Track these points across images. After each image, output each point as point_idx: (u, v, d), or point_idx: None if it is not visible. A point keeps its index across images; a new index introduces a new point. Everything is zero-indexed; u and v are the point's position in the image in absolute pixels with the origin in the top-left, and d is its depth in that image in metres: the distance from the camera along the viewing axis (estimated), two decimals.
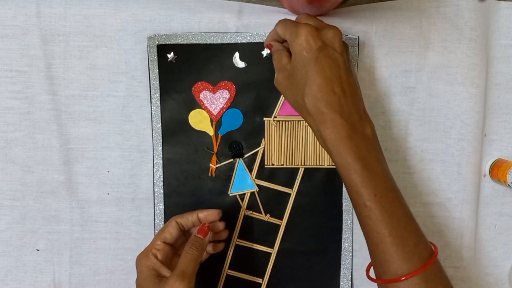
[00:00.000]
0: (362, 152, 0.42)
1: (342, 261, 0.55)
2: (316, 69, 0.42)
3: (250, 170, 0.54)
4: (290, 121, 0.54)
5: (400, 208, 0.43)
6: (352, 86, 0.43)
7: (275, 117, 0.54)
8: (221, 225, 0.51)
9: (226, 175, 0.54)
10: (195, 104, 0.53)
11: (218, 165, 0.54)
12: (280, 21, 0.46)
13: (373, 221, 0.41)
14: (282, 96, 0.53)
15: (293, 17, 0.52)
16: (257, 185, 0.54)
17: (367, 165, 0.41)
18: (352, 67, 0.46)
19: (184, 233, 0.50)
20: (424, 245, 0.42)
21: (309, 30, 0.42)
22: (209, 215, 0.49)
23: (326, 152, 0.54)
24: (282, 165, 0.54)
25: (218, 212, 0.49)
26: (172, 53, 0.52)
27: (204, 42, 0.52)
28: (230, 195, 0.54)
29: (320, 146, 0.54)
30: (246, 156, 0.54)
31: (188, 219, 0.49)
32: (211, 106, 0.53)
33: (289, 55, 0.45)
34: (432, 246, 0.43)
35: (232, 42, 0.52)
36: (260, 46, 0.52)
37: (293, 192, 0.54)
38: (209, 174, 0.54)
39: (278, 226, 0.55)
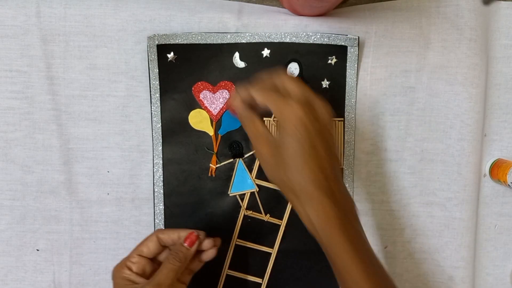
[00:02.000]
0: (350, 232, 0.40)
1: None
2: (310, 153, 0.39)
3: (250, 170, 0.54)
4: None
5: (388, 282, 0.41)
6: (336, 162, 0.42)
7: (275, 117, 0.54)
8: (208, 243, 0.48)
9: (226, 175, 0.54)
10: (195, 104, 0.53)
11: (218, 165, 0.54)
12: (257, 87, 0.42)
13: None
14: None
15: (293, 17, 0.52)
16: (257, 185, 0.54)
17: (355, 244, 0.40)
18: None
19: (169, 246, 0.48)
20: None
21: (303, 111, 0.39)
22: (188, 233, 0.47)
23: None
24: None
25: (202, 233, 0.47)
26: (172, 53, 0.52)
27: (204, 42, 0.52)
28: (230, 195, 0.54)
29: None
30: (246, 156, 0.54)
31: (169, 236, 0.47)
32: (211, 106, 0.53)
33: (263, 121, 0.42)
34: None
35: (232, 42, 0.52)
36: (260, 46, 0.52)
37: None
38: (209, 174, 0.54)
39: (278, 226, 0.55)
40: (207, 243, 0.48)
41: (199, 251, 0.49)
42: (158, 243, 0.47)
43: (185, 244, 0.46)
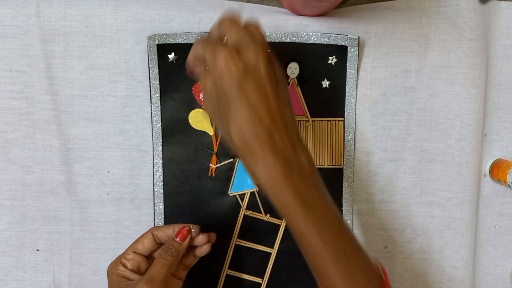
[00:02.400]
0: (300, 189, 0.37)
1: None
2: (239, 99, 0.36)
3: None
4: None
5: (347, 242, 0.39)
6: (282, 112, 0.38)
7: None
8: (202, 239, 0.48)
9: (226, 175, 0.54)
10: (195, 103, 0.53)
11: (218, 165, 0.54)
12: (198, 39, 0.40)
13: (320, 258, 0.37)
14: None
15: (293, 17, 0.52)
16: (257, 185, 0.54)
17: (307, 202, 0.37)
18: (282, 82, 0.40)
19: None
20: (374, 276, 0.39)
21: (227, 53, 0.36)
22: (180, 228, 0.47)
23: (325, 153, 0.54)
24: None
25: (196, 227, 0.48)
26: (173, 54, 0.52)
27: None
28: (230, 195, 0.54)
29: (319, 146, 0.54)
30: None
31: (164, 232, 0.47)
32: None
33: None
34: (383, 276, 0.40)
35: None
36: None
37: None
38: (209, 174, 0.54)
39: (278, 226, 0.55)
40: (200, 238, 0.48)
41: (193, 246, 0.49)
42: (153, 240, 0.47)
43: (177, 239, 0.46)
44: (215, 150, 0.54)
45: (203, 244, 0.48)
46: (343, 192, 0.54)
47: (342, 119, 0.54)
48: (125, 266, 0.46)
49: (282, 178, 0.36)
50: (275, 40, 0.52)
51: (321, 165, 0.54)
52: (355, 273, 0.38)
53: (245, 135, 0.37)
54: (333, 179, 0.54)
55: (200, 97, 0.53)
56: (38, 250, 0.55)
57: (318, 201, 0.38)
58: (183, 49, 0.52)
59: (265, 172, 0.37)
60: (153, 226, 0.54)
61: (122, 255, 0.47)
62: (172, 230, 0.47)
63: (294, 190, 0.37)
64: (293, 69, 0.53)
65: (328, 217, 0.38)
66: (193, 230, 0.47)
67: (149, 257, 0.48)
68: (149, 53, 0.52)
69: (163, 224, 0.54)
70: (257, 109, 0.37)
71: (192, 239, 0.47)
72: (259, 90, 0.37)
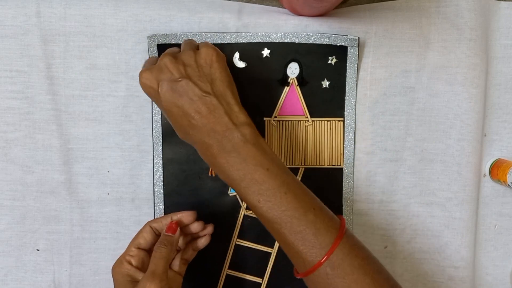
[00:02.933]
0: (235, 164, 0.42)
1: None
2: (166, 112, 0.45)
3: None
4: (290, 121, 0.54)
5: (292, 202, 0.42)
6: (205, 99, 0.43)
7: (275, 117, 0.54)
8: (198, 226, 0.49)
9: None
10: None
11: None
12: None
13: (267, 224, 0.42)
14: (282, 96, 0.53)
15: (293, 17, 0.52)
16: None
17: (245, 175, 0.42)
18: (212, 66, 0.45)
19: None
20: (331, 226, 0.42)
21: (143, 74, 0.45)
22: (183, 217, 0.48)
23: (325, 153, 0.54)
24: None
25: (192, 213, 0.48)
26: None
27: None
28: (230, 195, 0.54)
29: (319, 146, 0.54)
30: None
31: (162, 222, 0.48)
32: None
33: None
34: (339, 220, 0.43)
35: (232, 42, 0.52)
36: (260, 46, 0.52)
37: None
38: (209, 174, 0.54)
39: None
40: (196, 225, 0.49)
41: (193, 239, 0.50)
42: (153, 232, 0.47)
43: (168, 233, 0.46)
44: None
45: (198, 231, 0.49)
46: (343, 192, 0.54)
47: (342, 119, 0.54)
48: (130, 263, 0.46)
49: (215, 158, 0.43)
50: (275, 40, 0.52)
51: (321, 165, 0.54)
52: (305, 233, 0.41)
53: (184, 135, 0.45)
54: (333, 179, 0.54)
55: None
56: (38, 250, 0.55)
57: (257, 170, 0.42)
58: None
59: (204, 156, 0.44)
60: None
61: (126, 253, 0.47)
62: (168, 219, 0.48)
63: (227, 166, 0.42)
64: (293, 69, 0.53)
65: (269, 182, 0.42)
66: (183, 220, 0.47)
67: (149, 252, 0.48)
68: (149, 53, 0.52)
69: None
70: (184, 115, 0.44)
71: (186, 225, 0.48)
72: (178, 97, 0.44)
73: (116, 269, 0.46)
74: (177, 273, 0.49)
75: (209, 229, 0.50)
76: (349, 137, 0.54)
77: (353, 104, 0.54)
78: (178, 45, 0.51)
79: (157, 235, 0.48)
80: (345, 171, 0.54)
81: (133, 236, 0.47)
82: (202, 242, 0.50)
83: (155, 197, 0.54)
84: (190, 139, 0.45)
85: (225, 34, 0.52)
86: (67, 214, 0.54)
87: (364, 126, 0.54)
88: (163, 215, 0.54)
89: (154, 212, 0.54)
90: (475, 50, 0.53)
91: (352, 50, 0.52)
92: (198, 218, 0.49)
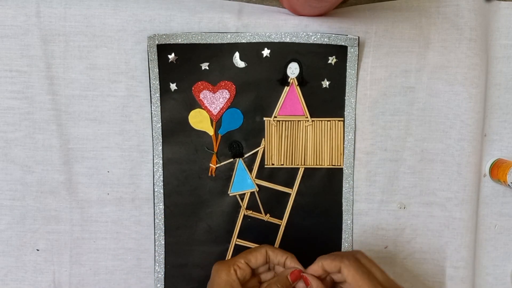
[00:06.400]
0: None
1: None
2: None
3: (250, 170, 0.54)
4: (290, 121, 0.54)
5: None
6: None
7: (275, 117, 0.54)
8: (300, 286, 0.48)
9: (226, 175, 0.54)
10: (195, 104, 0.53)
11: (218, 165, 0.54)
12: (346, 262, 0.45)
13: None
14: (282, 96, 0.53)
15: (293, 17, 0.52)
16: (257, 185, 0.54)
17: None
18: None
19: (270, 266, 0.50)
20: None
21: None
22: (296, 269, 0.47)
23: (325, 153, 0.54)
24: (282, 165, 0.54)
25: (302, 271, 0.47)
26: (173, 54, 0.52)
27: (204, 42, 0.52)
28: (230, 195, 0.54)
29: (319, 146, 0.54)
30: (246, 156, 0.54)
31: (277, 256, 0.48)
32: (211, 106, 0.53)
33: None
34: None
35: (232, 42, 0.52)
36: (260, 46, 0.52)
37: (293, 192, 0.54)
38: (209, 174, 0.54)
39: (278, 226, 0.55)
40: (301, 286, 0.48)
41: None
42: (266, 257, 0.48)
43: (289, 278, 0.46)
44: (215, 150, 0.54)
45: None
46: (343, 192, 0.54)
47: (342, 119, 0.54)
48: (236, 273, 0.46)
49: None
50: (275, 40, 0.52)
51: (321, 165, 0.54)
52: None
53: None
54: (333, 179, 0.54)
55: (201, 97, 0.53)
56: (38, 250, 0.55)
57: None
58: (183, 49, 0.52)
59: None
60: (153, 226, 0.54)
61: (235, 261, 0.47)
62: (285, 257, 0.48)
63: None
64: (293, 69, 0.53)
65: None
66: (310, 281, 0.47)
67: (254, 271, 0.48)
68: (149, 53, 0.52)
69: (163, 224, 0.53)
70: None
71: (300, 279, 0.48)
72: None
73: (221, 272, 0.46)
74: None
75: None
76: (349, 137, 0.54)
77: (353, 104, 0.54)
78: (178, 45, 0.52)
79: (266, 261, 0.48)
80: (345, 171, 0.54)
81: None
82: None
83: (155, 197, 0.54)
84: None
85: (225, 34, 0.52)
86: (67, 214, 0.54)
87: (364, 126, 0.54)
88: (163, 215, 0.54)
89: (154, 212, 0.54)
90: (475, 50, 0.53)
91: (352, 50, 0.52)
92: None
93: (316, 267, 0.46)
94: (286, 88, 0.53)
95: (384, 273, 0.45)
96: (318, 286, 0.46)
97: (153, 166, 0.54)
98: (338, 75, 0.53)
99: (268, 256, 0.48)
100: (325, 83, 0.53)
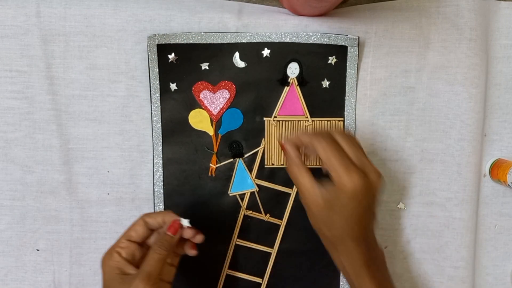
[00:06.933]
0: (376, 275, 0.45)
1: None
2: (360, 215, 0.44)
3: (250, 170, 0.54)
4: (290, 121, 0.54)
5: None
6: (372, 216, 0.46)
7: (275, 117, 0.54)
8: (190, 232, 0.47)
9: (226, 175, 0.54)
10: (195, 104, 0.53)
11: (218, 165, 0.54)
12: (320, 138, 0.44)
13: None
14: (282, 96, 0.53)
15: (293, 17, 0.52)
16: (257, 185, 0.54)
17: (382, 285, 0.45)
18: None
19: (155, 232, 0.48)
20: None
21: (363, 181, 0.43)
22: (181, 221, 0.46)
23: None
24: (282, 165, 0.54)
25: (185, 222, 0.46)
26: (173, 54, 0.52)
27: (204, 42, 0.52)
28: (230, 195, 0.54)
29: None
30: (246, 156, 0.54)
31: (156, 219, 0.46)
32: (211, 106, 0.53)
33: (311, 174, 0.45)
34: None
35: (232, 42, 0.52)
36: (260, 46, 0.52)
37: (293, 192, 0.54)
38: (209, 174, 0.54)
39: (278, 226, 0.55)
40: (189, 231, 0.47)
41: (183, 239, 0.48)
42: (145, 226, 0.46)
43: (169, 232, 0.45)
44: (215, 150, 0.54)
45: (189, 237, 0.47)
46: None
47: (342, 119, 0.54)
48: (120, 255, 0.45)
49: (366, 267, 0.44)
50: (275, 40, 0.52)
51: (321, 165, 0.54)
52: None
53: (347, 237, 0.44)
54: None
55: (201, 97, 0.53)
56: (38, 250, 0.55)
57: (389, 285, 0.46)
58: (183, 49, 0.52)
59: (354, 261, 0.45)
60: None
61: (116, 245, 0.45)
62: (162, 218, 0.46)
63: (373, 277, 0.44)
64: (293, 69, 0.53)
65: None
66: (186, 225, 0.46)
67: (142, 245, 0.47)
68: (149, 53, 0.52)
69: None
70: (363, 217, 0.44)
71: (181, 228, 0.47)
72: (373, 206, 0.45)
73: (105, 261, 0.45)
74: (170, 265, 0.47)
75: (199, 237, 0.48)
76: None
77: (353, 104, 0.54)
78: (178, 45, 0.52)
79: (149, 229, 0.47)
80: None
81: None
82: (190, 251, 0.48)
83: (155, 197, 0.54)
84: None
85: (225, 34, 0.52)
86: (67, 214, 0.54)
87: (364, 126, 0.54)
88: None
89: (154, 212, 0.54)
90: (475, 50, 0.53)
91: (352, 49, 0.52)
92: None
93: (294, 138, 0.46)
94: (286, 88, 0.53)
95: (358, 151, 0.45)
96: (293, 152, 0.46)
97: (153, 166, 0.54)
98: (338, 75, 0.53)
99: (147, 223, 0.46)
100: (325, 83, 0.53)
